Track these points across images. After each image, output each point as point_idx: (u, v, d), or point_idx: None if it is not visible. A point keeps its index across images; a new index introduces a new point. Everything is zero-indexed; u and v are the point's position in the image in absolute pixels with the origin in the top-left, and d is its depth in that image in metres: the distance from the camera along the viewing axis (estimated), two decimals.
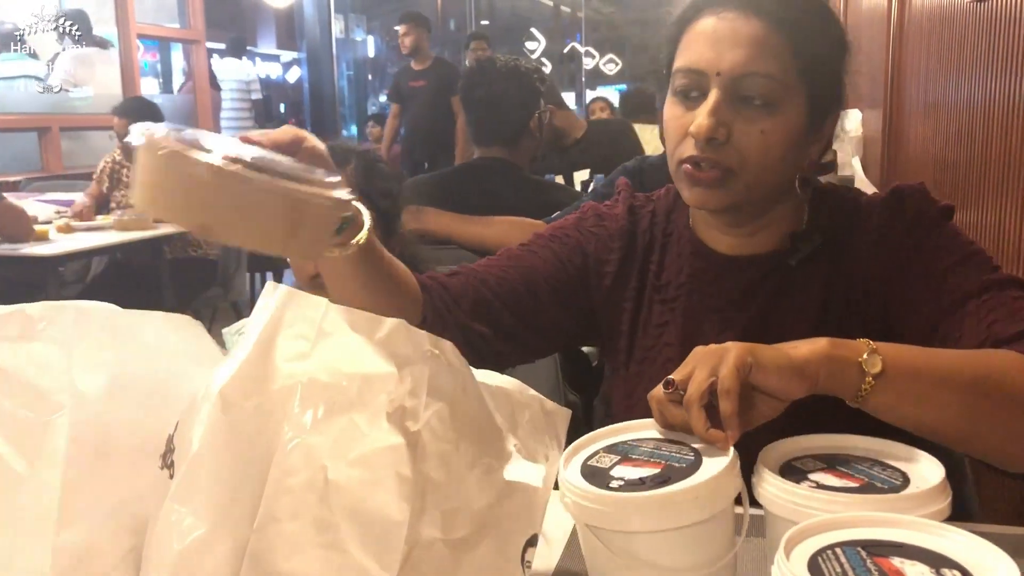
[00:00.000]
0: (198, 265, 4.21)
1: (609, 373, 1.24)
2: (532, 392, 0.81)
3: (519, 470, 0.74)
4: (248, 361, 0.67)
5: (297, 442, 0.65)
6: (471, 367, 0.73)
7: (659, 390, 0.83)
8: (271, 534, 0.64)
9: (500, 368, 1.28)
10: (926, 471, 0.75)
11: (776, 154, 1.00)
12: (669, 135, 1.05)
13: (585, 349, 2.13)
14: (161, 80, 10.49)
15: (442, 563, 0.66)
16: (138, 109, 4.25)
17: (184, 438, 0.68)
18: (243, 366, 0.67)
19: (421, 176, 2.55)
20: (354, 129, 13.74)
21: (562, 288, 1.16)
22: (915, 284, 1.02)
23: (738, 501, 0.77)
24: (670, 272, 1.15)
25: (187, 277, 4.06)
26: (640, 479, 0.74)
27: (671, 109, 1.04)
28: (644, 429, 0.84)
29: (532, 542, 0.74)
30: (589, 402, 2.06)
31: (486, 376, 0.77)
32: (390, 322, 0.69)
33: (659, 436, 0.83)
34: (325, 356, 0.68)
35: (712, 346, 0.84)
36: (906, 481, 0.73)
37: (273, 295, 0.71)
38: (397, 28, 6.18)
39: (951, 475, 0.74)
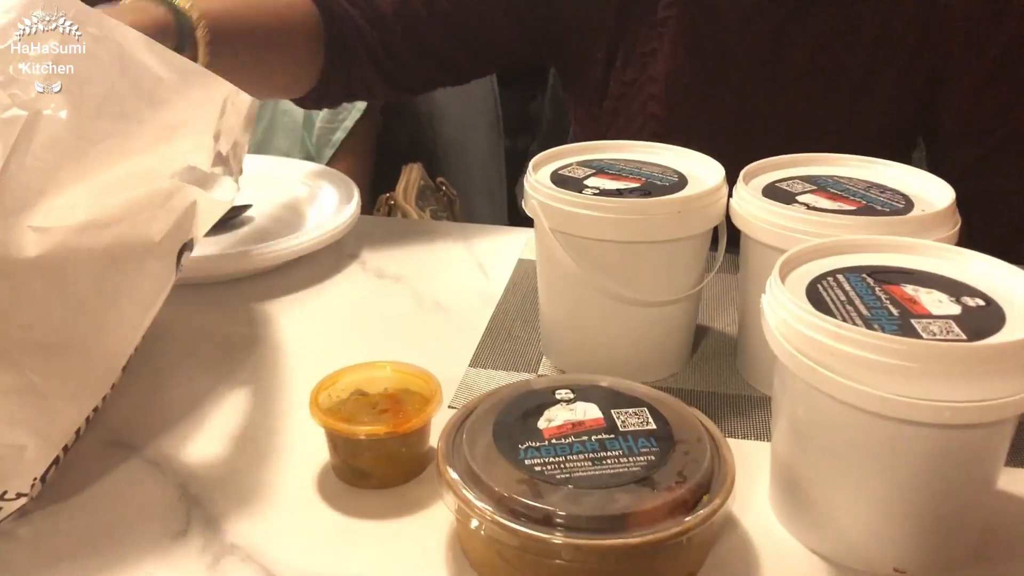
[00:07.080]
0: None
1: (572, 108, 1.05)
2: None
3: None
4: None
5: None
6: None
7: None
8: None
9: (415, 94, 1.09)
10: (931, 195, 0.65)
11: None
12: None
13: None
14: None
15: None
16: None
17: None
18: None
19: None
20: None
21: (521, 2, 0.95)
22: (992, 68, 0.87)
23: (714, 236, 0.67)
24: None
25: None
26: (618, 190, 0.65)
27: None
28: (623, 151, 0.74)
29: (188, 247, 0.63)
30: (525, 148, 1.96)
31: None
32: None
33: (640, 158, 0.72)
34: None
35: None
36: (909, 204, 0.63)
37: None
38: None
39: None
